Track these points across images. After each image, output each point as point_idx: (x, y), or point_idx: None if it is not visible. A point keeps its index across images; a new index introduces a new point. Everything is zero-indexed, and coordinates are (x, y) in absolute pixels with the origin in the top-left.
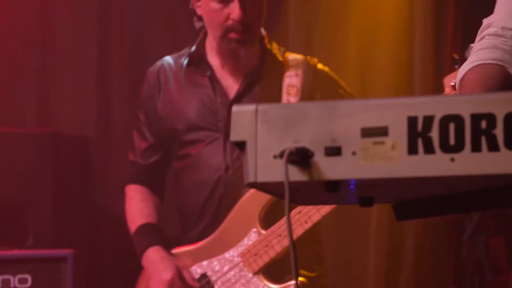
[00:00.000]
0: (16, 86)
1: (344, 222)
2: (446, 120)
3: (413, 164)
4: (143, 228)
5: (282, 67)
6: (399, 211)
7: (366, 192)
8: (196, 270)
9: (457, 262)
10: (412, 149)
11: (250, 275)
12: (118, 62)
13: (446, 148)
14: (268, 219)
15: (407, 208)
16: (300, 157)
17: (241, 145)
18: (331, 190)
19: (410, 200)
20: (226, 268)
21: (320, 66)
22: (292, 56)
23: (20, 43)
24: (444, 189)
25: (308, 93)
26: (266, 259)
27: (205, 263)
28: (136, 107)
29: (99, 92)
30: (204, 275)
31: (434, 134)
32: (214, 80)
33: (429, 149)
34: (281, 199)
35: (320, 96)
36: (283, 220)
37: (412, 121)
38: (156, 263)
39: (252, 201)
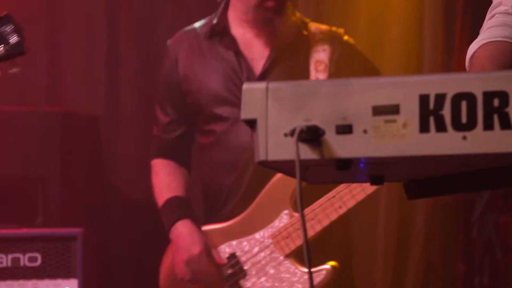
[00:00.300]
0: (26, 65)
1: None
2: (458, 98)
3: (424, 142)
4: (171, 201)
5: (308, 41)
6: (410, 189)
7: (377, 171)
8: (225, 249)
9: (466, 242)
10: (423, 127)
11: (281, 257)
12: (127, 40)
13: (458, 126)
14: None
15: (418, 187)
16: (311, 135)
17: (251, 123)
18: (342, 168)
19: (421, 178)
20: (256, 249)
21: (346, 38)
22: (317, 28)
23: (30, 23)
24: (456, 168)
25: (335, 69)
26: (298, 242)
27: (234, 242)
28: (158, 81)
29: (108, 71)
30: (233, 255)
31: (446, 112)
32: (239, 53)
33: (441, 127)
34: (291, 177)
35: (347, 71)
36: (316, 204)
37: (424, 99)
38: (184, 236)
39: (284, 182)
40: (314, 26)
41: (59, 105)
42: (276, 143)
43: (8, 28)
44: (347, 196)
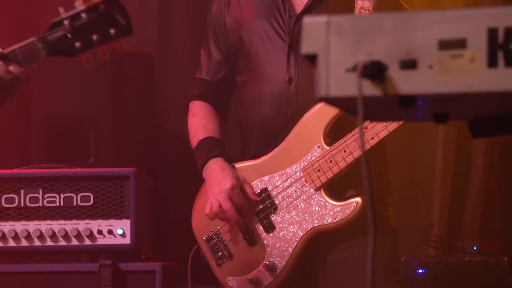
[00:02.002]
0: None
1: (410, 140)
2: None
3: (493, 78)
4: (206, 141)
5: None
6: (476, 128)
7: (442, 108)
8: (258, 185)
9: None
10: (492, 62)
11: (312, 190)
12: None
13: None
14: (332, 135)
15: (484, 125)
16: (374, 71)
17: (312, 58)
18: (405, 105)
19: (487, 116)
20: (287, 183)
21: None
22: None
23: None
24: None
25: None
26: (329, 175)
27: (266, 178)
28: (205, 23)
29: (161, 8)
30: (264, 190)
31: None
32: None
33: (510, 62)
34: (353, 114)
35: None
36: (348, 136)
37: (492, 32)
38: (216, 172)
39: (318, 116)
40: None
41: None
42: (337, 79)
43: (116, 10)
44: (379, 126)
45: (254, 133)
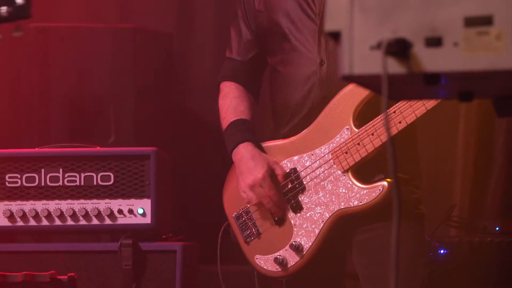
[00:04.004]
0: None
1: (431, 119)
2: None
3: None
4: (235, 123)
5: None
6: (501, 107)
7: (467, 86)
8: (287, 164)
9: None
10: None
11: (339, 172)
12: None
13: None
14: (361, 118)
15: (510, 104)
16: (399, 48)
17: (336, 36)
18: (430, 83)
19: None
20: (316, 164)
21: None
22: None
23: None
24: None
25: None
26: (356, 158)
27: (295, 158)
28: (235, 2)
29: None
30: (294, 170)
31: None
32: None
33: None
34: (376, 93)
35: None
36: (377, 119)
37: None
38: (247, 159)
39: (348, 98)
40: None
41: (131, 22)
42: (361, 56)
43: None
44: (407, 111)
45: (287, 115)
